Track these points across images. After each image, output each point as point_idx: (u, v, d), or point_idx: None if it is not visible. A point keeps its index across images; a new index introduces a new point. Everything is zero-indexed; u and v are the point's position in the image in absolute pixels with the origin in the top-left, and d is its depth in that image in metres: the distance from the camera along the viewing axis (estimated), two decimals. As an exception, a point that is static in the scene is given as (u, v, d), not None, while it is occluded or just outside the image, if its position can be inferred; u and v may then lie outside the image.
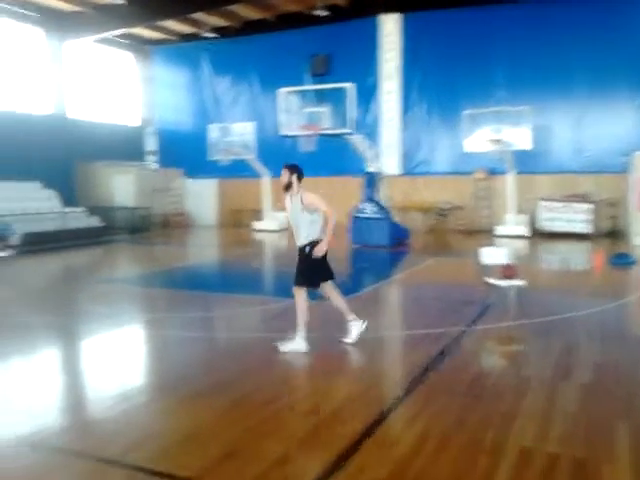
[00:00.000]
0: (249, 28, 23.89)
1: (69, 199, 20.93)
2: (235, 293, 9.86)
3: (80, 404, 5.08)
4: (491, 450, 3.96)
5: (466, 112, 18.67)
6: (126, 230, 21.01)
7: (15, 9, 20.56)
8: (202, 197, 24.99)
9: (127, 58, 26.04)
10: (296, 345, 6.22)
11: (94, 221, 20.15)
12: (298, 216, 6.30)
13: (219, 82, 24.81)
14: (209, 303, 9.16)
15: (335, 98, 15.26)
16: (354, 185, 17.70)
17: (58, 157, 21.33)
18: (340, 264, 14.06)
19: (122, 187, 22.55)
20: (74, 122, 22.79)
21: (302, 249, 6.28)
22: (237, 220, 23.69)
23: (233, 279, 12.30)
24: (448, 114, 20.64)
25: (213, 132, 21.75)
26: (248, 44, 23.63)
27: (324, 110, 15.22)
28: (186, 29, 24.73)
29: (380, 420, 4.51)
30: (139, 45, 25.92)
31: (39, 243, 16.98)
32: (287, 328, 6.84)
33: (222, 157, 20.99)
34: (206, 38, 24.99)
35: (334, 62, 15.83)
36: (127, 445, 4.15)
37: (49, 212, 18.93)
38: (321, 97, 15.56)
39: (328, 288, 6.46)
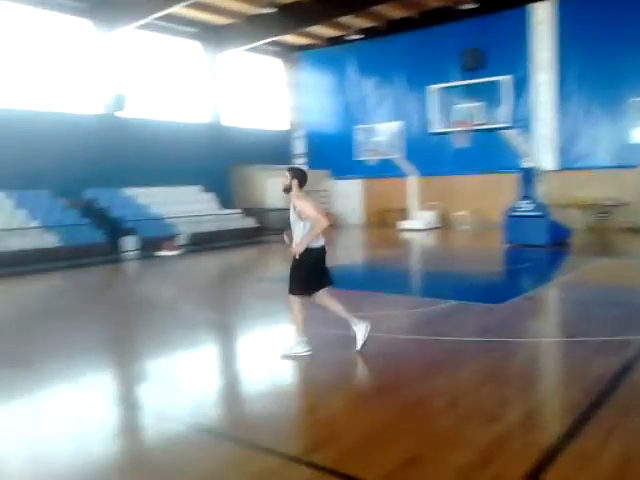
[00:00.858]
0: (394, 27, 23.82)
1: (226, 201, 22.16)
2: (388, 293, 9.79)
3: (249, 398, 5.25)
4: None
5: (633, 100, 17.16)
6: (278, 230, 21.79)
7: (174, 26, 22.12)
8: (348, 197, 25.32)
9: (275, 65, 27.05)
10: (296, 349, 6.14)
11: (249, 222, 21.14)
12: (294, 221, 6.06)
13: (365, 83, 24.97)
14: (365, 302, 9.18)
15: (487, 92, 14.72)
16: (508, 182, 16.96)
17: (216, 162, 22.65)
18: (492, 265, 13.55)
19: (273, 189, 23.42)
20: (229, 129, 24.09)
21: (300, 255, 5.98)
22: (383, 220, 23.69)
23: (385, 279, 12.26)
24: (611, 103, 19.14)
25: (359, 133, 21.93)
26: (393, 43, 23.54)
27: (477, 105, 14.73)
28: (331, 33, 25.19)
29: (571, 433, 4.19)
30: (287, 51, 26.82)
31: (200, 243, 18.13)
32: (448, 330, 6.64)
33: (368, 157, 21.08)
34: (351, 40, 25.27)
35: (485, 55, 15.24)
36: (308, 444, 4.21)
37: (209, 214, 20.14)
38: (473, 92, 15.06)
39: (322, 296, 6.18)
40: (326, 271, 6.22)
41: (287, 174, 6.07)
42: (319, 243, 6.08)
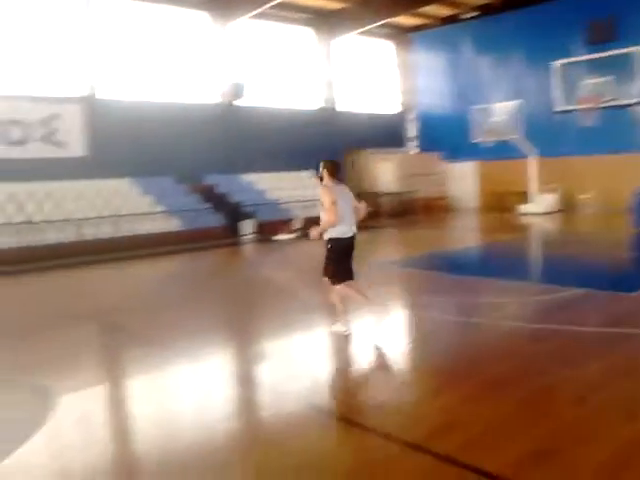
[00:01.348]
0: (511, 3, 22.70)
1: (338, 186, 22.31)
2: (507, 279, 9.42)
3: (365, 382, 5.26)
4: None
5: None
6: (390, 215, 21.67)
7: (287, 14, 22.43)
8: (462, 180, 24.63)
9: (387, 47, 26.71)
10: (339, 327, 6.46)
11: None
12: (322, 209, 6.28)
13: (480, 62, 24.06)
14: (482, 288, 8.91)
15: (618, 66, 13.69)
16: (638, 162, 15.74)
17: (328, 147, 22.75)
18: (620, 250, 12.66)
19: (385, 173, 23.30)
20: (342, 114, 24.18)
21: (325, 244, 6.29)
22: (499, 203, 22.81)
23: (503, 264, 11.81)
24: None
25: (475, 114, 21.19)
26: (511, 20, 22.43)
27: (605, 80, 13.76)
28: (445, 12, 24.48)
29: None
30: (399, 33, 26.39)
31: (311, 227, 18.36)
32: (572, 319, 6.29)
33: (484, 139, 20.36)
34: (466, 19, 24.42)
35: (616, 26, 14.15)
36: (428, 431, 4.14)
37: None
38: (601, 66, 14.07)
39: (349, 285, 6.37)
40: (348, 265, 6.41)
41: (321, 165, 6.46)
42: (348, 234, 6.28)
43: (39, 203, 16.25)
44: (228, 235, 17.45)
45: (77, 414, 4.71)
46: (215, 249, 15.79)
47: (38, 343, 6.90)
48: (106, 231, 15.97)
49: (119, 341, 6.89)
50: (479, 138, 20.48)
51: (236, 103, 21.08)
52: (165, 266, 14.06)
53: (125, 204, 17.39)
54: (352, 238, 6.35)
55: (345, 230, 6.27)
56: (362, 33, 24.30)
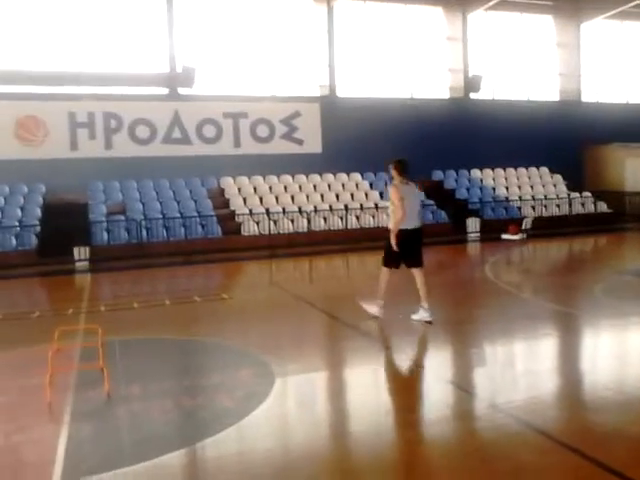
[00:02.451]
0: None
1: (575, 184, 20.58)
2: None
3: (594, 405, 4.65)
4: None
5: None
6: (638, 217, 19.36)
7: (527, 1, 21.23)
8: None
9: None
10: (371, 309, 7.10)
11: (601, 207, 19.28)
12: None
13: None
14: None
15: None
16: None
17: (566, 141, 21.10)
18: None
19: (634, 170, 20.87)
20: (585, 105, 22.22)
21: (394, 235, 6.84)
22: None
23: None
24: None
25: None
26: None
27: None
28: None
29: None
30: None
31: (544, 228, 17.22)
32: None
33: None
34: None
35: None
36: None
37: (555, 197, 19.00)
38: None
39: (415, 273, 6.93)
40: (412, 252, 6.90)
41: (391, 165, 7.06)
42: (406, 226, 6.79)
43: (278, 195, 17.68)
44: (452, 232, 17.13)
45: (290, 397, 4.97)
46: (438, 246, 15.59)
47: (268, 322, 7.46)
48: (335, 223, 16.76)
49: (340, 330, 7.13)
50: None
51: (472, 96, 20.63)
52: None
53: (353, 198, 18.10)
54: (417, 231, 6.96)
55: (410, 223, 6.84)
56: (612, 17, 21.98)
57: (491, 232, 16.65)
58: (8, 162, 16.11)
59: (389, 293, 7.05)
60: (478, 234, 17.08)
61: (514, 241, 15.77)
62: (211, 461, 3.78)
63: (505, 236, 16.10)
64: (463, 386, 5.06)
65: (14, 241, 14.27)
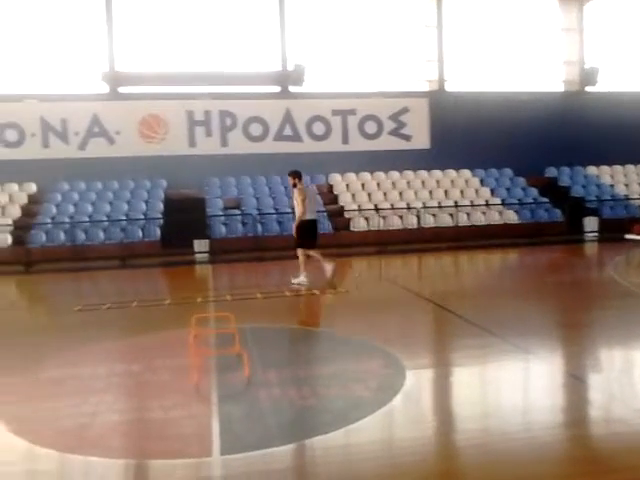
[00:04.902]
0: None
1: None
2: None
3: None
4: None
5: None
6: None
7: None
8: None
9: None
10: (300, 279, 9.50)
11: None
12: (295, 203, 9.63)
13: None
14: None
15: None
16: None
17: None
18: None
19: None
20: None
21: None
22: None
23: None
24: None
25: None
26: None
27: None
28: None
29: None
30: None
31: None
32: None
33: None
34: None
35: None
36: None
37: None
38: None
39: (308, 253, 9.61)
40: (312, 237, 9.58)
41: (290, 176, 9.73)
42: (308, 217, 9.41)
43: (386, 192, 17.72)
44: (567, 231, 16.46)
45: (424, 390, 5.02)
46: (553, 245, 15.06)
47: (388, 316, 7.55)
48: (445, 220, 16.58)
49: (463, 328, 7.09)
50: None
51: (588, 89, 19.69)
52: (500, 258, 13.97)
53: (463, 195, 17.81)
54: (316, 221, 9.69)
55: (311, 215, 9.50)
56: None
57: (610, 232, 15.84)
58: (133, 158, 17.23)
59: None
60: (596, 234, 16.30)
61: (638, 241, 14.92)
62: (354, 447, 3.90)
63: (629, 236, 15.26)
64: (600, 389, 4.90)
65: (140, 233, 15.26)
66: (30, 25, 17.48)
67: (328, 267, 9.51)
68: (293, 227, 9.67)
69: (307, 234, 9.48)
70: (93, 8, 17.62)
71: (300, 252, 9.56)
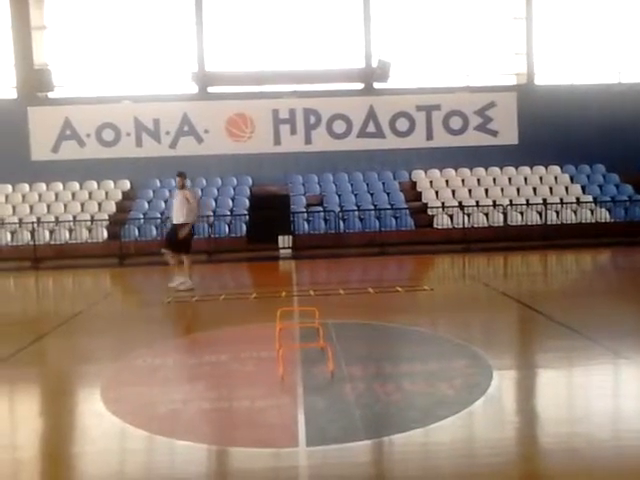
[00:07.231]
0: None
1: None
2: None
3: None
4: None
5: None
6: None
7: None
8: None
9: None
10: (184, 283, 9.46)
11: None
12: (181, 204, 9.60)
13: None
14: None
15: None
16: None
17: None
18: None
19: None
20: None
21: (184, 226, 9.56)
22: None
23: None
24: None
25: None
26: None
27: None
28: None
29: None
30: None
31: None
32: None
33: None
34: None
35: None
36: None
37: None
38: None
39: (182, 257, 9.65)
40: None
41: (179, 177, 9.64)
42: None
43: (471, 188, 17.35)
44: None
45: (510, 391, 4.92)
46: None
47: (473, 314, 7.43)
48: (533, 218, 16.04)
49: (551, 328, 6.87)
50: None
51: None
52: (591, 258, 13.37)
53: (552, 192, 17.18)
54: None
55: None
56: None
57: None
58: (220, 157, 17.77)
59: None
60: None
61: None
62: (437, 445, 3.88)
63: None
64: None
65: (227, 228, 15.72)
66: (124, 30, 18.34)
67: (180, 279, 9.54)
68: (182, 231, 9.38)
69: (191, 238, 9.72)
70: (184, 12, 18.27)
71: (187, 256, 9.56)
